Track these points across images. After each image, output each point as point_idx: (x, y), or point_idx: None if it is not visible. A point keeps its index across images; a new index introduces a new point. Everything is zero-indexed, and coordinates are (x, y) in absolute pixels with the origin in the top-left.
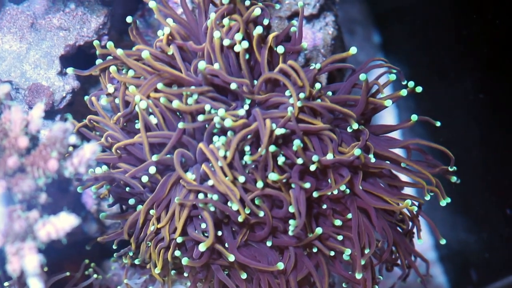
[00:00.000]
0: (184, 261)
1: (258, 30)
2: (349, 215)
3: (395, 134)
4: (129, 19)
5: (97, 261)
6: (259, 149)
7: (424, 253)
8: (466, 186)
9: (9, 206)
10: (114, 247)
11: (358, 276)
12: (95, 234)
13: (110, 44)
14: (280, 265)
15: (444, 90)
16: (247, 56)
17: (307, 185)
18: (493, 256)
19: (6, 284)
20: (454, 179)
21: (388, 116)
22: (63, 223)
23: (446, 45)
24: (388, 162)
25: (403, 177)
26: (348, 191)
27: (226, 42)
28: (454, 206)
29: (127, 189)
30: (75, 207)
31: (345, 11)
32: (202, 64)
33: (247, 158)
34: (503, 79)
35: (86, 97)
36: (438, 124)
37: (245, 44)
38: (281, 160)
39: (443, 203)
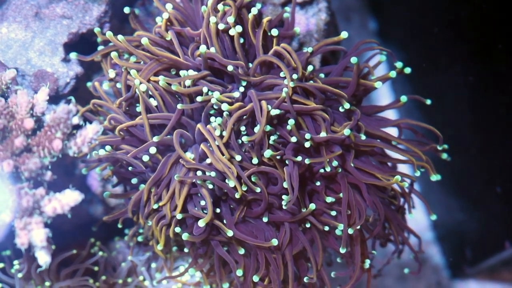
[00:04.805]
0: (185, 236)
1: (253, 11)
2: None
3: (392, 116)
4: (126, 9)
5: (103, 241)
6: (256, 129)
7: (420, 234)
8: (460, 167)
9: (17, 184)
10: (119, 226)
11: (342, 250)
12: (101, 215)
13: (109, 34)
14: (274, 241)
15: (437, 74)
16: (241, 40)
17: (299, 158)
18: (486, 233)
19: (15, 262)
20: (445, 156)
21: (385, 100)
22: (68, 198)
23: (438, 30)
24: (379, 140)
25: (395, 155)
26: (340, 170)
27: (221, 26)
28: (448, 187)
29: (130, 168)
30: (80, 190)
31: None
32: (203, 48)
33: (244, 139)
34: (490, 63)
35: (89, 83)
36: (428, 102)
37: (239, 28)
38: (272, 138)
39: (433, 178)
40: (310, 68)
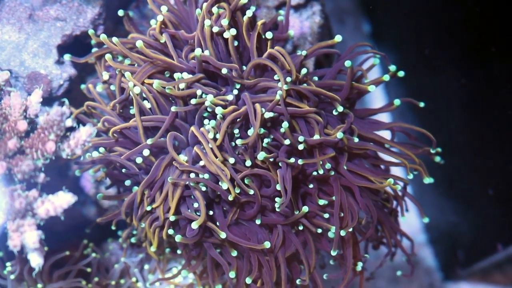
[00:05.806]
0: (178, 238)
1: (248, 14)
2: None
3: (386, 118)
4: (121, 12)
5: (96, 243)
6: (249, 132)
7: (413, 236)
8: (453, 169)
9: (9, 186)
10: (113, 227)
11: (333, 252)
12: (94, 217)
13: (103, 36)
14: (267, 244)
15: (431, 77)
16: (236, 43)
17: (292, 160)
18: (479, 236)
19: (8, 264)
20: (438, 159)
21: (378, 102)
22: (61, 200)
23: (432, 33)
24: (372, 143)
25: (388, 158)
26: (332, 172)
27: (215, 29)
28: (441, 190)
29: (123, 170)
30: (73, 191)
31: (335, 1)
32: (198, 51)
33: (238, 142)
34: (483, 65)
35: (82, 86)
36: (421, 105)
37: (233, 31)
38: (265, 141)
39: (426, 180)
40: (304, 71)
